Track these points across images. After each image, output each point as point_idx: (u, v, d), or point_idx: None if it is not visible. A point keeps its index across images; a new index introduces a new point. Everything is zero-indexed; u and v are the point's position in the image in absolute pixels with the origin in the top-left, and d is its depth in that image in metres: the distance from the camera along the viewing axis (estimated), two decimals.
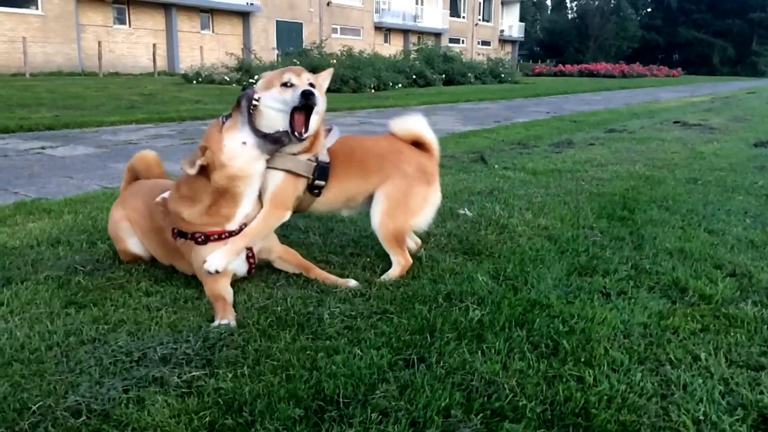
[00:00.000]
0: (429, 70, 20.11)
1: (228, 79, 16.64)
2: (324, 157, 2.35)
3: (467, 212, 3.31)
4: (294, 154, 2.27)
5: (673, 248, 2.73)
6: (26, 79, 16.91)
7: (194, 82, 16.57)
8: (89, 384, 1.56)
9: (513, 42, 48.64)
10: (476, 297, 2.16)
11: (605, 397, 1.55)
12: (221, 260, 2.09)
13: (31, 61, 19.43)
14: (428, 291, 2.22)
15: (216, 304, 2.00)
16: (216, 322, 1.91)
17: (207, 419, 1.43)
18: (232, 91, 14.01)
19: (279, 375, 1.63)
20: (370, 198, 2.43)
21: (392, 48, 30.05)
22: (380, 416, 1.46)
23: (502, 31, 46.68)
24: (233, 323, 1.91)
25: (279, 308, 2.05)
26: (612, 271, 2.44)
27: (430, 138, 2.54)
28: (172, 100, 11.40)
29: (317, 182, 2.33)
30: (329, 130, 2.45)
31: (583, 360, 1.73)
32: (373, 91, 15.78)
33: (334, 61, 16.59)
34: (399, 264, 2.38)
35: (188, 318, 1.96)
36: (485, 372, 1.65)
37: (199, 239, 2.11)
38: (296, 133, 2.16)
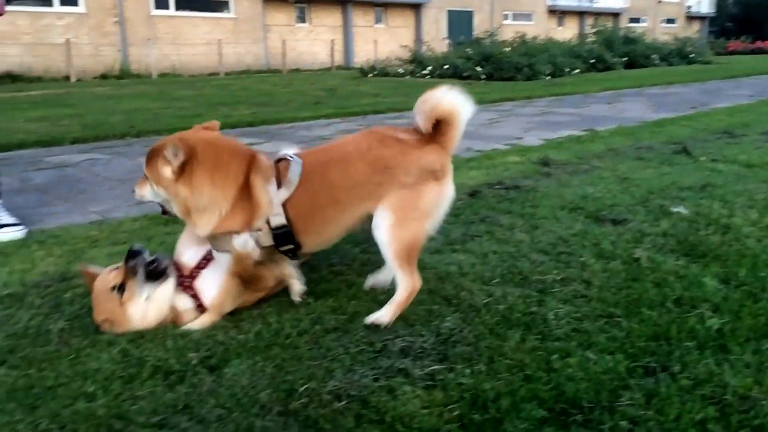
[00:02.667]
0: (608, 54, 19.13)
1: (402, 71, 17.03)
2: (278, 219, 1.98)
3: (682, 210, 3.13)
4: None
5: None
6: (221, 78, 18.54)
7: (369, 75, 17.14)
8: (342, 371, 1.69)
9: (702, 18, 44.76)
10: (710, 304, 2.04)
11: None
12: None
13: (225, 61, 21.24)
14: (653, 295, 2.14)
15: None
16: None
17: (456, 413, 1.50)
18: (407, 83, 14.33)
19: (516, 374, 1.66)
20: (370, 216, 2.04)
21: (567, 32, 28.99)
22: (629, 424, 1.44)
23: (689, 7, 43.12)
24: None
25: (501, 307, 2.08)
26: None
27: (460, 117, 2.00)
28: (353, 95, 11.88)
29: (283, 249, 2.04)
30: (282, 164, 2.05)
31: None
32: (548, 78, 15.34)
33: (507, 48, 16.34)
34: (408, 287, 1.98)
35: (417, 312, 2.05)
36: (738, 386, 1.57)
37: None
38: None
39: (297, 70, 22.69)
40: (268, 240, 2.01)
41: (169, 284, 2.02)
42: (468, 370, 1.68)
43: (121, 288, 1.97)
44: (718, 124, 6.53)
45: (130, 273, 1.98)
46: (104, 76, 18.91)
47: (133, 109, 9.38)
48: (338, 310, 2.09)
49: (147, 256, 2.02)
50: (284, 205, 1.99)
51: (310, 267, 2.43)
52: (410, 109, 7.56)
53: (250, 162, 2.02)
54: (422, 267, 2.43)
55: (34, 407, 1.56)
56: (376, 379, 1.65)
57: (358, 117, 8.50)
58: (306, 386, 1.61)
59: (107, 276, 2.00)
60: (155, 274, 2.01)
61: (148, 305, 1.98)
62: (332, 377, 1.66)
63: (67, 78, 18.16)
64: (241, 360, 1.77)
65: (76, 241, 2.95)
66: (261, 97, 11.38)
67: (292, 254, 2.08)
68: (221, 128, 7.18)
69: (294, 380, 1.65)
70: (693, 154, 4.73)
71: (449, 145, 2.05)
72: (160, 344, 1.88)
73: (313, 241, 2.08)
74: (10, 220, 3.17)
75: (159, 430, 1.45)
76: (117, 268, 2.02)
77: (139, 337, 1.93)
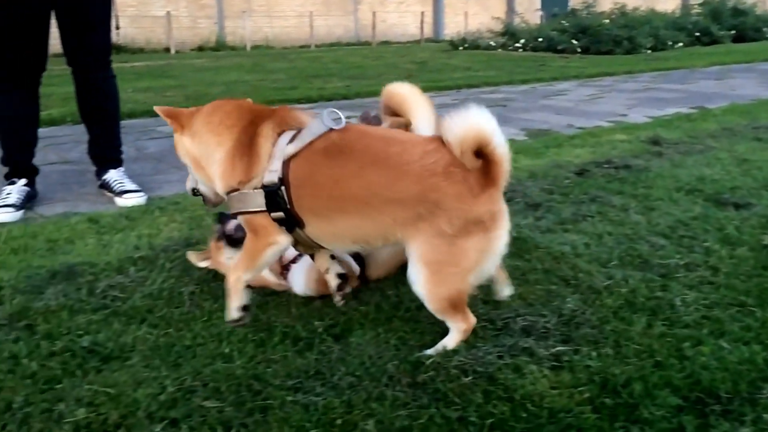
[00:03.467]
0: (715, 26, 18.03)
1: (493, 45, 16.68)
2: (271, 176, 1.67)
3: None
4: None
5: None
6: (312, 51, 18.76)
7: (460, 48, 16.90)
8: (465, 347, 1.71)
9: None
10: None
11: None
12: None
13: (316, 33, 21.45)
14: None
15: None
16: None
17: (586, 395, 1.49)
18: (499, 56, 14.05)
19: (645, 360, 1.63)
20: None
21: (669, 3, 27.48)
22: None
23: None
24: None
25: (623, 290, 2.03)
26: None
27: (500, 151, 1.58)
28: (444, 68, 11.76)
29: (273, 214, 1.70)
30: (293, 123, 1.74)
31: None
32: (649, 51, 14.65)
33: (606, 20, 15.69)
34: (459, 330, 1.71)
35: (535, 292, 2.04)
36: None
37: None
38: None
39: (386, 43, 22.64)
40: (258, 201, 1.68)
41: None
42: (594, 353, 1.66)
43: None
44: None
45: (216, 236, 2.17)
46: (201, 48, 19.51)
47: (231, 81, 9.66)
48: None
49: (230, 225, 2.14)
50: (287, 162, 1.66)
51: None
52: (505, 83, 7.49)
53: (266, 114, 1.77)
54: (535, 246, 2.41)
55: (177, 365, 1.65)
56: (500, 357, 1.65)
57: (452, 91, 8.42)
58: (432, 360, 1.63)
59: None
60: (233, 241, 2.11)
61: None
62: (456, 352, 1.67)
63: (167, 50, 18.86)
64: (364, 330, 1.82)
65: (194, 209, 3.08)
66: (352, 70, 11.45)
67: (289, 227, 1.73)
68: (316, 100, 7.31)
69: (419, 353, 1.68)
70: None
71: (501, 183, 1.63)
72: (285, 311, 1.95)
73: (319, 227, 1.70)
74: (132, 186, 3.35)
75: (295, 393, 1.51)
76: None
77: (265, 303, 2.01)
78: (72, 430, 1.39)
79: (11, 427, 1.40)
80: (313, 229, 1.71)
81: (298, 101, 7.44)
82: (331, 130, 1.68)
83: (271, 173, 1.66)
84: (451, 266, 1.61)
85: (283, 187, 1.66)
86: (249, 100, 1.91)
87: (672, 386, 1.51)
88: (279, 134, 1.70)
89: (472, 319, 1.73)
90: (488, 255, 1.64)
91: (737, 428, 1.36)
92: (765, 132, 4.63)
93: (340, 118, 1.71)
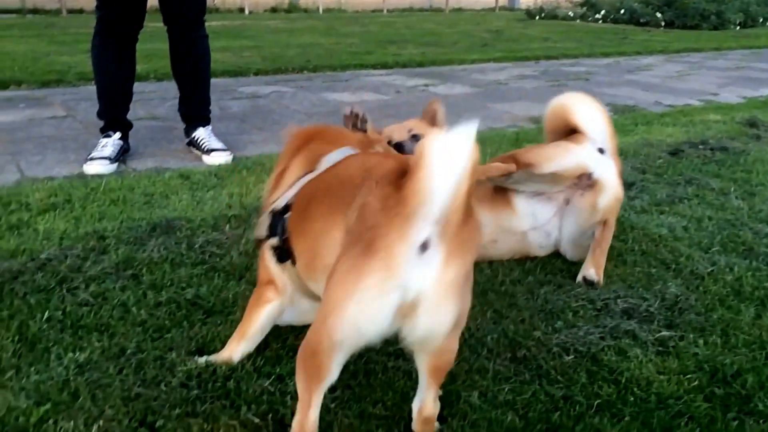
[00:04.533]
0: None
1: (571, 15, 16.14)
2: (280, 202, 1.47)
3: None
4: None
5: None
6: (385, 16, 18.59)
7: (536, 17, 16.43)
8: (564, 325, 1.68)
9: None
10: None
11: None
12: None
13: None
14: None
15: None
16: None
17: (695, 383, 1.45)
18: (578, 27, 13.60)
19: (756, 351, 1.57)
20: None
21: None
22: None
23: None
24: None
25: (728, 278, 1.96)
26: None
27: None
28: (520, 38, 11.47)
29: (270, 241, 1.45)
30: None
31: None
32: (738, 27, 13.90)
33: None
34: None
35: (635, 274, 1.98)
36: None
37: None
38: None
39: (459, 10, 22.21)
40: (265, 224, 1.48)
41: None
42: (701, 341, 1.61)
43: None
44: None
45: None
46: (274, 10, 19.61)
47: (306, 43, 9.68)
48: (547, 265, 2.07)
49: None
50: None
51: None
52: (585, 56, 7.25)
53: (319, 136, 1.64)
54: (631, 227, 2.34)
55: (277, 324, 1.69)
56: (602, 338, 1.62)
57: (530, 62, 8.21)
58: (531, 338, 1.61)
59: None
60: None
61: None
62: (555, 330, 1.65)
63: (241, 10, 19.04)
64: None
65: None
66: (427, 37, 11.31)
67: (279, 257, 1.44)
68: (391, 66, 7.20)
69: (516, 329, 1.66)
70: None
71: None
72: None
73: (303, 262, 1.36)
74: (219, 145, 3.42)
75: (396, 359, 1.52)
76: None
77: None
78: (184, 378, 1.44)
79: (127, 371, 1.46)
80: (300, 263, 1.37)
81: (374, 67, 7.41)
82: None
83: (283, 199, 1.47)
84: None
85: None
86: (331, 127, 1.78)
87: None
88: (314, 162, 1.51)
89: None
90: None
91: None
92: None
93: None
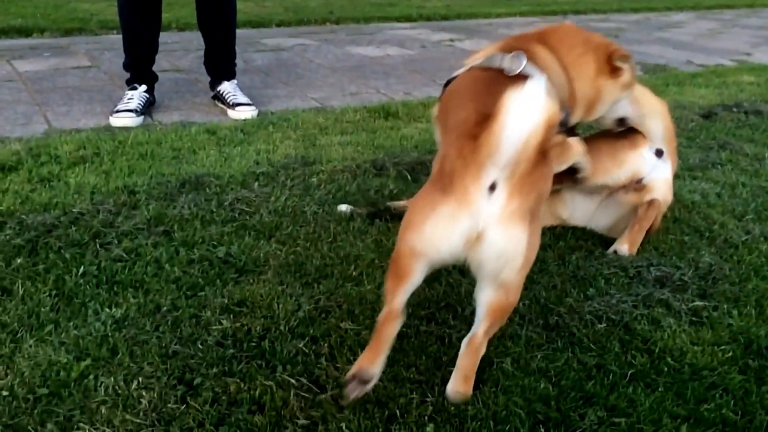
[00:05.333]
0: None
1: None
2: None
3: None
4: None
5: None
6: None
7: None
8: (597, 292, 1.68)
9: None
10: None
11: None
12: None
13: None
14: None
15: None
16: None
17: (729, 354, 1.44)
18: None
19: None
20: None
21: None
22: None
23: None
24: None
25: (763, 247, 1.93)
26: None
27: None
28: None
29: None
30: None
31: None
32: None
33: None
34: None
35: (667, 242, 1.97)
36: None
37: None
38: None
39: None
40: None
41: None
42: (735, 311, 1.60)
43: None
44: None
45: None
46: None
47: None
48: (578, 230, 2.05)
49: None
50: None
51: None
52: (615, 10, 7.04)
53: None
54: None
55: (309, 283, 1.70)
56: (635, 306, 1.61)
57: (556, 16, 8.01)
58: (563, 304, 1.61)
59: None
60: None
61: None
62: (587, 297, 1.65)
63: None
64: None
65: (306, 126, 3.10)
66: None
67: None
68: (415, 19, 7.05)
69: (548, 295, 1.66)
70: None
71: None
72: None
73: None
74: (244, 99, 3.39)
75: (428, 323, 1.53)
76: None
77: (386, 230, 2.02)
78: (220, 337, 1.46)
79: (164, 328, 1.48)
80: None
81: (398, 19, 7.27)
82: None
83: None
84: None
85: None
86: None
87: None
88: None
89: None
90: None
91: None
92: None
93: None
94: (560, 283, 1.72)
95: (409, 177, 2.44)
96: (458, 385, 1.30)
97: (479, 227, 1.20)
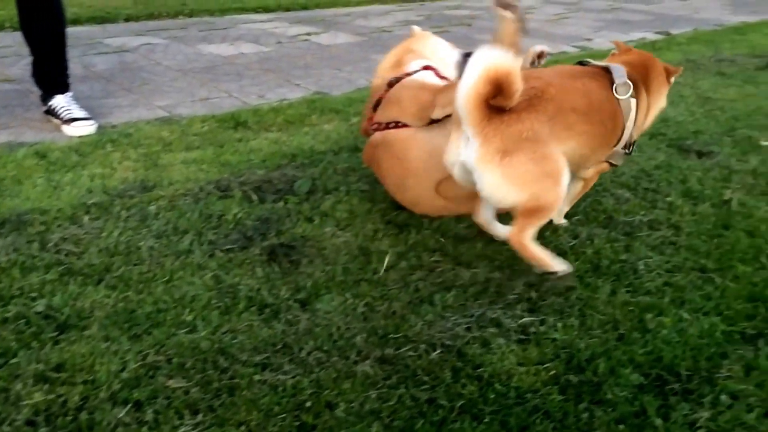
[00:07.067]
0: None
1: None
2: None
3: None
4: None
5: None
6: None
7: None
8: (434, 316, 1.70)
9: None
10: None
11: None
12: None
13: None
14: (746, 247, 2.08)
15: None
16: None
17: (552, 372, 1.51)
18: None
19: (610, 332, 1.65)
20: None
21: None
22: (730, 399, 1.44)
23: None
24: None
25: (589, 252, 2.04)
26: None
27: None
28: None
29: None
30: None
31: None
32: None
33: None
34: None
35: (501, 252, 2.03)
36: None
37: None
38: None
39: None
40: None
41: None
42: (560, 324, 1.68)
43: None
44: None
45: None
46: None
47: None
48: (420, 245, 2.08)
49: None
50: None
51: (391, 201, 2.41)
52: None
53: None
54: None
55: (138, 335, 1.61)
56: (468, 329, 1.65)
57: (415, 4, 8.11)
58: (400, 333, 1.62)
59: None
60: None
61: None
62: (426, 322, 1.67)
63: None
64: (331, 296, 1.79)
65: (149, 143, 2.94)
66: None
67: None
68: (273, 10, 6.86)
69: (386, 324, 1.67)
70: None
71: None
72: (249, 272, 1.90)
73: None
74: (81, 113, 3.16)
75: (262, 371, 1.49)
76: None
77: (227, 261, 1.96)
78: (31, 414, 1.35)
79: None
80: None
81: (255, 10, 7.06)
82: None
83: None
84: None
85: None
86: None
87: (634, 363, 1.54)
88: None
89: None
90: None
91: (696, 411, 1.41)
92: (727, 66, 4.62)
93: None
94: (400, 309, 1.74)
95: (255, 198, 2.37)
96: None
97: (468, 165, 1.79)
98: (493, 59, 1.64)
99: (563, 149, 1.82)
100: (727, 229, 2.19)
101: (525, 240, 1.86)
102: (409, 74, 2.40)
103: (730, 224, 2.22)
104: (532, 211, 1.82)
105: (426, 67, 2.43)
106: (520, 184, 1.76)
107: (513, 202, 1.81)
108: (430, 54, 2.53)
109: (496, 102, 1.72)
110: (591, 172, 2.11)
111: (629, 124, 1.98)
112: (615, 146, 2.01)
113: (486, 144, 1.73)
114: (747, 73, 4.43)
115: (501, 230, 2.02)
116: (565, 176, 1.82)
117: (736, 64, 4.66)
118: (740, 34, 6.05)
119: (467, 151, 1.77)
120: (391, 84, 2.37)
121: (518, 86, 1.68)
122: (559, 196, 1.83)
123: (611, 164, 2.11)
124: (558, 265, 1.89)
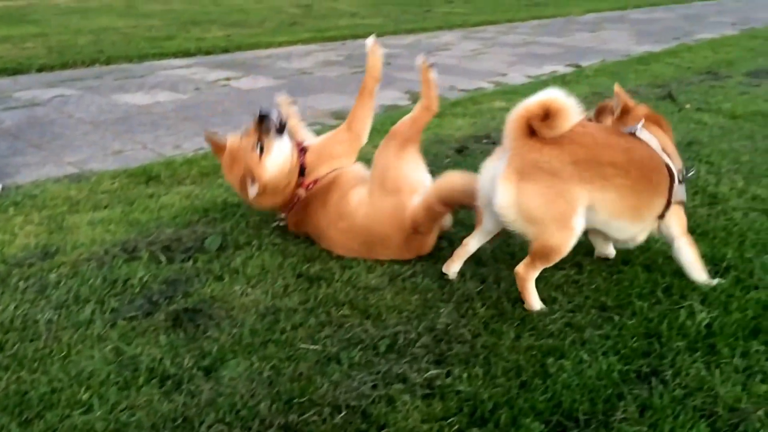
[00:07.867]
0: None
1: None
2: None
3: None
4: None
5: None
6: None
7: None
8: (340, 375, 1.70)
9: None
10: (698, 293, 2.07)
11: None
12: None
13: None
14: (644, 282, 2.16)
15: None
16: None
17: (456, 427, 1.52)
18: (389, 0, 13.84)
19: (513, 380, 1.68)
20: None
21: None
22: None
23: None
24: None
25: (494, 296, 2.08)
26: None
27: None
28: (330, 14, 11.46)
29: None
30: None
31: None
32: None
33: None
34: None
35: (411, 302, 2.05)
36: (727, 396, 1.61)
37: None
38: None
39: None
40: None
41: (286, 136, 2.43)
42: (465, 375, 1.70)
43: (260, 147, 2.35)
44: (702, 62, 6.46)
45: (264, 133, 2.33)
46: None
47: (101, 28, 8.94)
48: (330, 298, 2.07)
49: (275, 116, 2.35)
50: None
51: (305, 253, 2.40)
52: (391, 33, 7.41)
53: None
54: None
55: (29, 420, 1.54)
56: (374, 387, 1.65)
57: (337, 42, 8.22)
58: (306, 396, 1.61)
59: (240, 141, 2.39)
60: (281, 128, 2.37)
61: (279, 155, 2.38)
62: (332, 383, 1.66)
63: None
64: (237, 360, 1.76)
65: (54, 204, 2.85)
66: (234, 15, 10.93)
67: None
68: (193, 54, 6.80)
69: (292, 388, 1.65)
70: (678, 101, 4.70)
71: None
72: (153, 340, 1.86)
73: None
74: None
75: None
76: (246, 134, 2.39)
77: (130, 330, 1.90)
78: None
79: None
80: None
81: (175, 55, 7.02)
82: None
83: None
84: None
85: None
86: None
87: (536, 410, 1.57)
88: None
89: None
90: None
91: None
92: (631, 97, 4.84)
93: None
94: (306, 370, 1.72)
95: (163, 258, 2.32)
96: None
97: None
98: (558, 94, 1.85)
99: (594, 197, 1.94)
100: (626, 264, 2.28)
101: (527, 276, 2.02)
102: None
103: (629, 259, 2.31)
104: (538, 252, 1.97)
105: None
106: (529, 210, 1.92)
107: (520, 228, 1.96)
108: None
109: (540, 126, 1.88)
110: (677, 230, 2.14)
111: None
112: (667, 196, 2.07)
113: (511, 161, 1.92)
114: (649, 103, 4.63)
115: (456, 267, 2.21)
116: (577, 223, 1.93)
117: (639, 95, 4.89)
118: (644, 64, 6.38)
119: (498, 164, 1.97)
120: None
121: (564, 124, 1.87)
122: (566, 242, 1.95)
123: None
124: (537, 305, 2.02)
